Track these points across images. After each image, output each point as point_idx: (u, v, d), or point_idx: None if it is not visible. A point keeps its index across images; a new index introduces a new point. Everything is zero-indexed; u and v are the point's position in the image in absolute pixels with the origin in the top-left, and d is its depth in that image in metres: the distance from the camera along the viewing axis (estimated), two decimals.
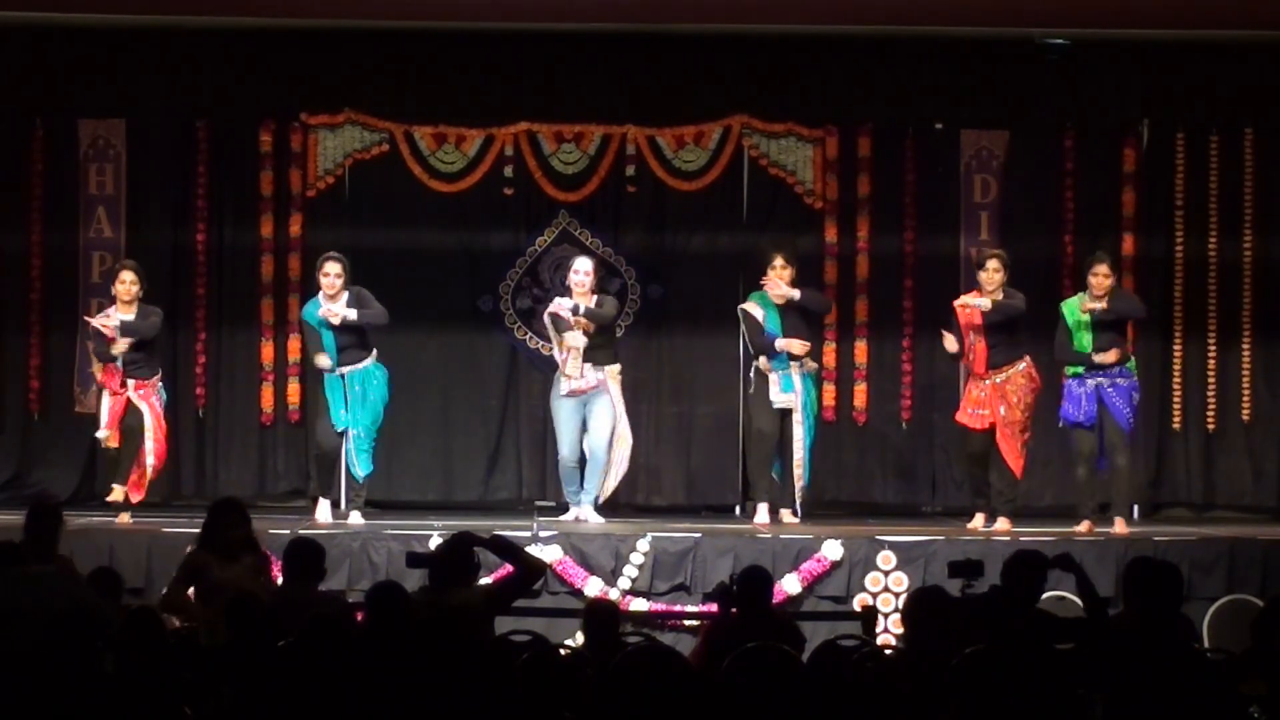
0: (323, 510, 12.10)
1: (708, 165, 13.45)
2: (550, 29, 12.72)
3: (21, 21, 12.41)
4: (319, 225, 13.37)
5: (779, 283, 12.20)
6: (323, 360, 12.00)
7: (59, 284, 13.34)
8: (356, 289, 12.10)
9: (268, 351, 13.36)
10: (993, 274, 11.95)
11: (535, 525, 11.55)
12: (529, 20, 12.50)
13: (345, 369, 12.01)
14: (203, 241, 13.43)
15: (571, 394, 12.22)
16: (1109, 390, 11.82)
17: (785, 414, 12.25)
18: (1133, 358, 12.09)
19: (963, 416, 12.10)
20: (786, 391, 12.22)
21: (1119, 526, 11.71)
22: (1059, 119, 13.46)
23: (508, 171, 13.39)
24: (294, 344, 13.29)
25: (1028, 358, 12.01)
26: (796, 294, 12.22)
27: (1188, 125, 13.51)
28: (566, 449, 12.31)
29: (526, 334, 13.55)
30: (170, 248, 13.36)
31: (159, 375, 12.12)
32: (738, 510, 13.41)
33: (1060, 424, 12.08)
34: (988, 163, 13.59)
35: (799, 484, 12.21)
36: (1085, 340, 11.88)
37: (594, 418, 12.25)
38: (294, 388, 13.37)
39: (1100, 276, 11.88)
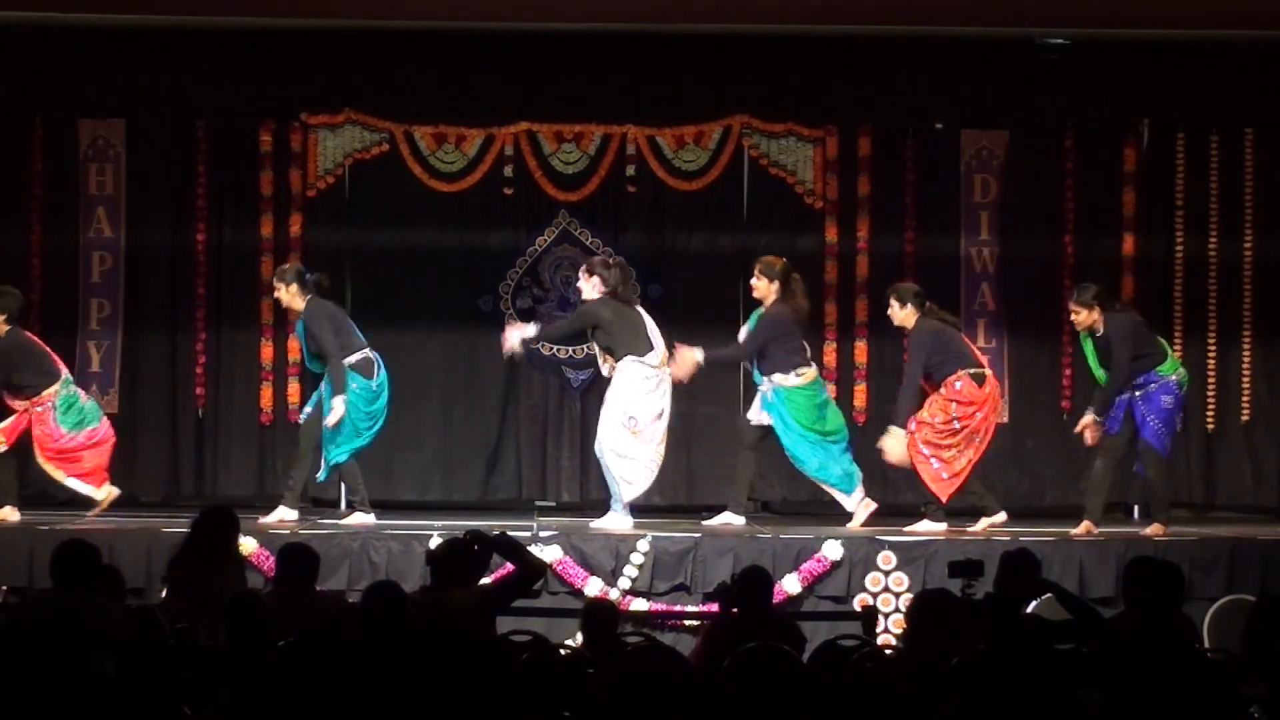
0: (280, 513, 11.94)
1: (708, 165, 13.44)
2: (550, 29, 12.72)
3: (21, 21, 12.41)
4: (319, 225, 13.38)
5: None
6: None
7: (59, 284, 13.33)
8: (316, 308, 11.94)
9: (268, 351, 13.35)
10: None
11: (535, 525, 11.55)
12: (529, 20, 12.50)
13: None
14: (203, 241, 13.43)
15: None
16: (1139, 400, 11.70)
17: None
18: (1168, 361, 11.92)
19: None
20: (763, 410, 12.02)
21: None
22: (1059, 119, 13.45)
23: (508, 171, 13.39)
24: (294, 344, 13.28)
25: (959, 372, 11.81)
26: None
27: (1188, 125, 13.49)
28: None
29: None
30: (170, 248, 13.36)
31: (55, 383, 11.85)
32: None
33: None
34: (988, 163, 13.58)
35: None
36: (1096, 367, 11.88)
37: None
38: (294, 388, 13.36)
39: (1071, 313, 11.88)
